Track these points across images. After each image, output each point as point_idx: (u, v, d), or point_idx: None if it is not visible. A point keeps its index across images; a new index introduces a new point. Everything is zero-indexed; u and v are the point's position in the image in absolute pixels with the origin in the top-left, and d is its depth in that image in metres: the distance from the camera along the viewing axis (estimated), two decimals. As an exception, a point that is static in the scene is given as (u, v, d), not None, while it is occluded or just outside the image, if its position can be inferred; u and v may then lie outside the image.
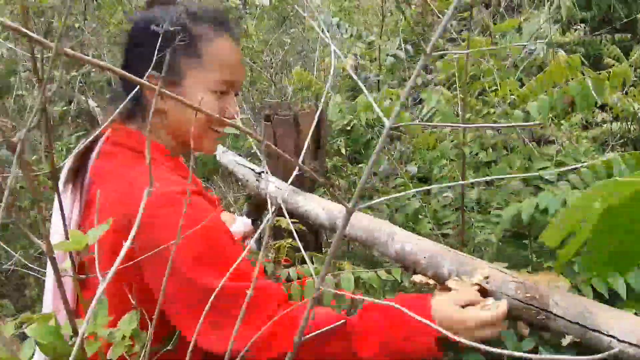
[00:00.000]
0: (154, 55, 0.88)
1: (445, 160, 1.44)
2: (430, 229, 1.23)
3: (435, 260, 0.90)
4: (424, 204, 1.24)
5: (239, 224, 1.38)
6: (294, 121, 1.46)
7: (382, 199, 0.44)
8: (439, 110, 1.03)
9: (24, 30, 0.32)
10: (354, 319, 0.82)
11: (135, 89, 0.77)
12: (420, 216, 1.21)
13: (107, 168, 0.89)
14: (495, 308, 0.76)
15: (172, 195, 0.81)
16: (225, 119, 1.00)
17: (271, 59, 4.05)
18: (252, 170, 1.51)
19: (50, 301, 0.93)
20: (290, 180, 0.69)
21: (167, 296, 0.79)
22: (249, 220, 1.41)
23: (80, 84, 2.94)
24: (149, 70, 0.90)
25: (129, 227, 0.79)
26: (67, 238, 0.69)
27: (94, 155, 0.91)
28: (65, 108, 2.64)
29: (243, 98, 2.90)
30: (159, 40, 0.86)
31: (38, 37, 0.32)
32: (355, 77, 0.56)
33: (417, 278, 0.95)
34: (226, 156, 1.79)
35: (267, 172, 1.47)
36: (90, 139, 0.66)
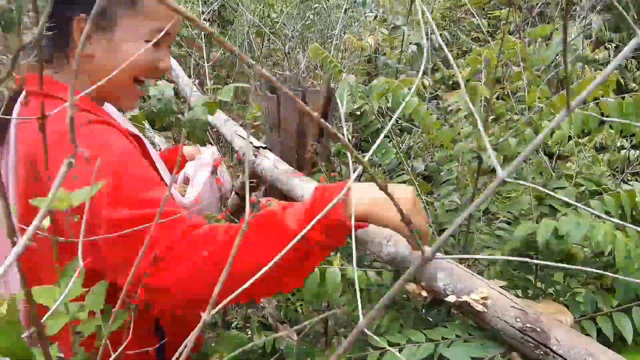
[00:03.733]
0: None
1: (456, 163, 1.36)
2: (432, 233, 1.16)
3: (432, 270, 0.82)
4: (427, 206, 1.15)
5: (207, 154, 1.32)
6: (301, 97, 1.37)
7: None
8: (464, 108, 0.94)
9: None
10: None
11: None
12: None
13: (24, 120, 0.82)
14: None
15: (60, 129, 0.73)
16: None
17: (291, 32, 3.94)
18: (251, 143, 1.42)
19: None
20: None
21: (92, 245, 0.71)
22: (215, 148, 1.35)
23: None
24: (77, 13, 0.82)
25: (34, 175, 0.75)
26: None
27: (15, 111, 0.83)
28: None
29: (253, 69, 2.80)
30: None
31: None
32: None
33: (410, 287, 0.88)
34: (227, 126, 1.70)
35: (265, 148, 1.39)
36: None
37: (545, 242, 0.74)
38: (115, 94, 0.92)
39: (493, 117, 0.98)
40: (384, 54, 2.35)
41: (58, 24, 0.83)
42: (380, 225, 0.72)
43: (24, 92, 0.83)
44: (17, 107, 0.84)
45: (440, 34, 2.14)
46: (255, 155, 1.44)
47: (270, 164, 1.32)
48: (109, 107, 0.98)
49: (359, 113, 1.22)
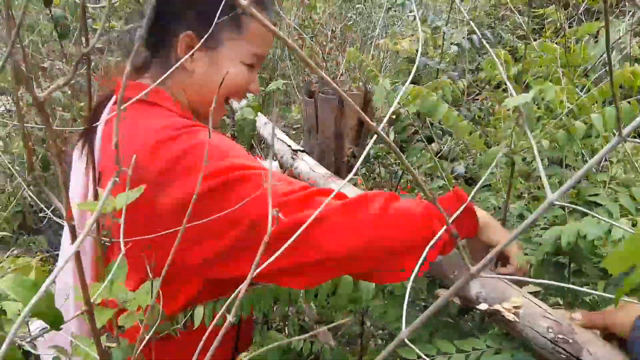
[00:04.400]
0: (192, 14, 0.86)
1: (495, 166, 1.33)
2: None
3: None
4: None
5: (266, 165, 1.34)
6: (338, 101, 1.39)
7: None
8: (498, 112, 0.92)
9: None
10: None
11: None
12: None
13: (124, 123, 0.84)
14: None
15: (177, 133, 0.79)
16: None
17: (332, 33, 3.95)
18: (289, 146, 1.45)
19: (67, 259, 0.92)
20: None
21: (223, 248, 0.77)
22: (276, 164, 1.38)
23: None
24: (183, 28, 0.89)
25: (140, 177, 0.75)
26: (95, 198, 0.64)
27: (104, 116, 0.88)
28: (119, 59, 2.64)
29: (293, 71, 2.83)
30: (205, 3, 0.84)
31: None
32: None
33: (441, 292, 0.88)
34: (266, 128, 1.74)
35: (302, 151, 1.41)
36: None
37: (570, 245, 0.73)
38: (206, 110, 0.94)
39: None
40: (426, 54, 2.33)
41: (161, 36, 0.88)
42: (489, 240, 0.85)
43: (114, 97, 0.89)
44: (105, 112, 0.89)
45: (483, 34, 2.10)
46: (293, 159, 1.47)
47: (308, 167, 1.34)
48: None
49: (394, 117, 1.22)
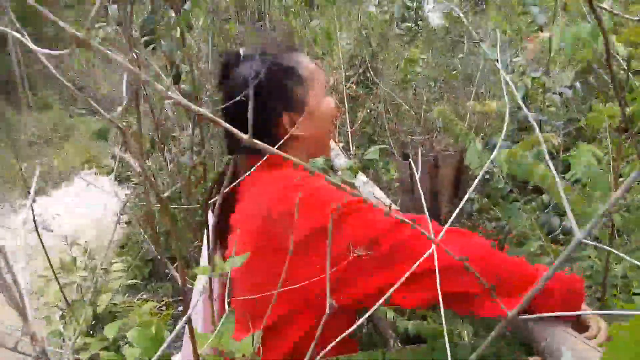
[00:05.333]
0: (276, 104, 1.02)
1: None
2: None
3: (556, 348, 0.79)
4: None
5: None
6: (433, 161, 1.43)
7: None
8: (588, 174, 0.90)
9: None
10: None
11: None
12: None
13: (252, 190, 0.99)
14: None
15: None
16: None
17: (433, 85, 3.98)
18: (385, 205, 1.50)
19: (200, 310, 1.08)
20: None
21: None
22: None
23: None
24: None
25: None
26: (209, 261, 0.76)
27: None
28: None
29: (388, 130, 2.90)
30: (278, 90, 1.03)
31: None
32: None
33: (536, 361, 0.85)
34: (365, 187, 1.81)
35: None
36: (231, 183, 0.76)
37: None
38: (322, 151, 1.11)
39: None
40: (528, 106, 2.26)
41: (265, 121, 1.03)
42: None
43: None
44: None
45: (586, 80, 2.02)
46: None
47: (403, 225, 1.39)
48: None
49: (485, 178, 1.23)
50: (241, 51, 1.07)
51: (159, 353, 0.38)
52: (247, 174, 1.02)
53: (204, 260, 1.11)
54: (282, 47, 1.08)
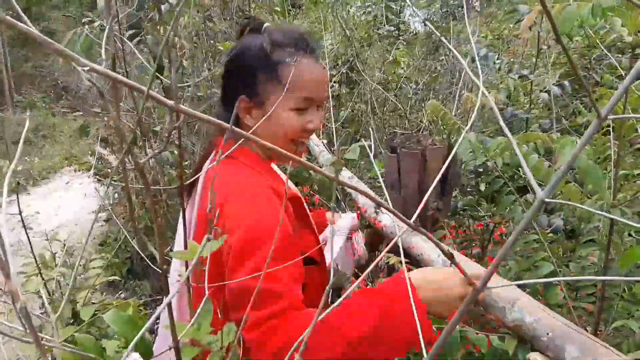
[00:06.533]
0: (243, 83, 1.01)
1: (598, 221, 1.25)
2: (563, 297, 1.07)
3: (559, 342, 0.76)
4: (559, 269, 1.08)
5: (345, 219, 1.42)
6: (421, 155, 1.40)
7: (527, 282, 0.37)
8: (580, 166, 0.88)
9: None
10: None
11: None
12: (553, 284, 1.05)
13: (218, 176, 0.99)
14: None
15: (244, 190, 0.93)
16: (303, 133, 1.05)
17: (415, 87, 4.00)
18: (373, 200, 1.46)
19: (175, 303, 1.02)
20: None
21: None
22: (354, 214, 1.42)
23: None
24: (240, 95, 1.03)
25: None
26: (185, 247, 0.72)
27: (204, 169, 1.04)
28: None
29: (375, 126, 2.89)
30: (246, 70, 1.02)
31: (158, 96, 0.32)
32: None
33: (535, 357, 0.82)
34: (351, 182, 1.78)
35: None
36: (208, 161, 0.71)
37: None
38: (278, 159, 1.11)
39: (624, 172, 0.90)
40: (513, 105, 2.27)
41: (232, 105, 1.02)
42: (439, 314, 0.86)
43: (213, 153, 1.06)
44: (206, 164, 1.06)
45: (579, 76, 2.02)
46: (377, 212, 1.48)
47: (391, 220, 1.35)
48: (274, 167, 1.17)
49: (480, 170, 1.20)
50: (264, 26, 1.05)
51: (139, 334, 0.34)
52: (211, 158, 1.07)
53: (177, 245, 1.08)
54: (297, 41, 1.03)
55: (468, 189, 1.72)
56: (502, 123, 0.41)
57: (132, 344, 0.36)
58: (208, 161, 1.07)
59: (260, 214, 0.89)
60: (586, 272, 1.14)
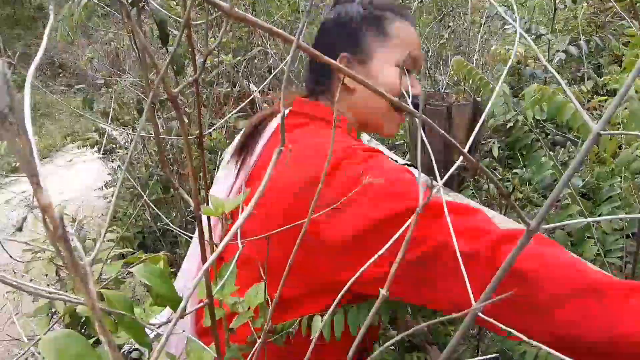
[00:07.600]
0: (344, 40, 0.94)
1: (619, 178, 1.22)
2: (596, 253, 1.05)
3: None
4: (592, 224, 1.06)
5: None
6: (446, 112, 1.36)
7: (574, 221, 0.34)
8: (630, 110, 0.85)
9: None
10: None
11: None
12: (585, 237, 1.03)
13: (294, 136, 0.86)
14: None
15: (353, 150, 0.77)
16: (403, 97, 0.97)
17: (428, 52, 3.93)
18: (396, 162, 1.44)
19: (194, 264, 0.97)
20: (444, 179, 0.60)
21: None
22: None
23: (245, 69, 3.11)
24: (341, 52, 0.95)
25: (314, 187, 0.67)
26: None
27: (265, 134, 0.92)
28: (228, 89, 2.82)
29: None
30: (350, 25, 0.94)
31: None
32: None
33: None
34: (370, 144, 1.75)
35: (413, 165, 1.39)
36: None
37: None
38: (378, 122, 0.98)
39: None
40: (527, 66, 2.23)
41: (321, 65, 0.96)
42: None
43: (274, 120, 0.94)
44: (264, 136, 0.92)
45: (589, 40, 1.97)
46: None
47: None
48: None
49: (508, 126, 1.17)
50: None
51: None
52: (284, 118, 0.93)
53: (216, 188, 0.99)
54: (394, 7, 0.97)
55: (483, 152, 1.69)
56: (550, 67, 0.37)
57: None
58: (275, 120, 0.94)
59: (399, 170, 0.77)
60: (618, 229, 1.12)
